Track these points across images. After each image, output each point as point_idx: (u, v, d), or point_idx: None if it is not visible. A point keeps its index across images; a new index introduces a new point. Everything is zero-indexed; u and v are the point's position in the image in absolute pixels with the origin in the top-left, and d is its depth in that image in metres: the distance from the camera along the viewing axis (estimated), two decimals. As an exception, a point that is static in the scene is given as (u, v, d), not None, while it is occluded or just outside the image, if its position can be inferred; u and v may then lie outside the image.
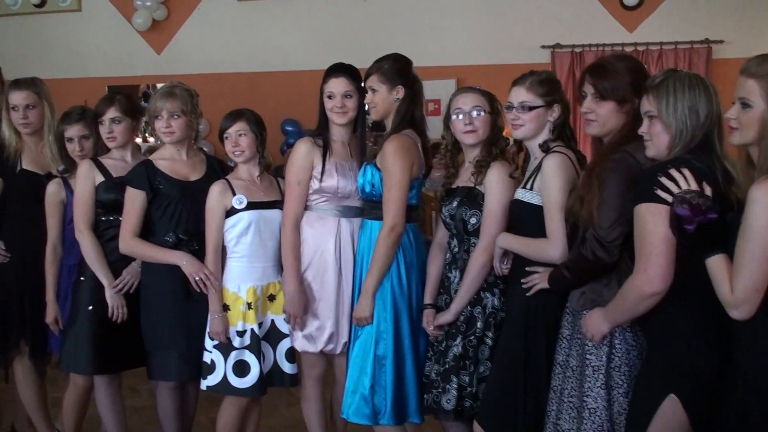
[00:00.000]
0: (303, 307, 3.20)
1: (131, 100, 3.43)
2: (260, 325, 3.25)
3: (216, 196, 3.19)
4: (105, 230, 3.32)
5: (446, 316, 2.97)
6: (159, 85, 7.94)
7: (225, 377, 3.19)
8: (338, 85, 3.20)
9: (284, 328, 3.29)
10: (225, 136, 3.25)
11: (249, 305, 3.20)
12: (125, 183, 3.24)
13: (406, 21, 7.64)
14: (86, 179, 3.29)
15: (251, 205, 3.19)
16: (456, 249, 3.02)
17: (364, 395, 3.07)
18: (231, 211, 3.19)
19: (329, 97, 3.22)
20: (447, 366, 2.94)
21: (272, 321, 3.29)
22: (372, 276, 3.06)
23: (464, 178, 3.02)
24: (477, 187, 2.95)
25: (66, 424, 3.51)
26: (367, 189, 3.13)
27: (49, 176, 3.47)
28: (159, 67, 8.27)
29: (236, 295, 3.21)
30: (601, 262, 2.42)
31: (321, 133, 3.27)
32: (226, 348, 3.19)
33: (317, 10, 7.87)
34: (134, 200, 3.21)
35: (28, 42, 8.49)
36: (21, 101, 3.43)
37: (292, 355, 3.31)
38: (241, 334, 3.19)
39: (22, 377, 3.54)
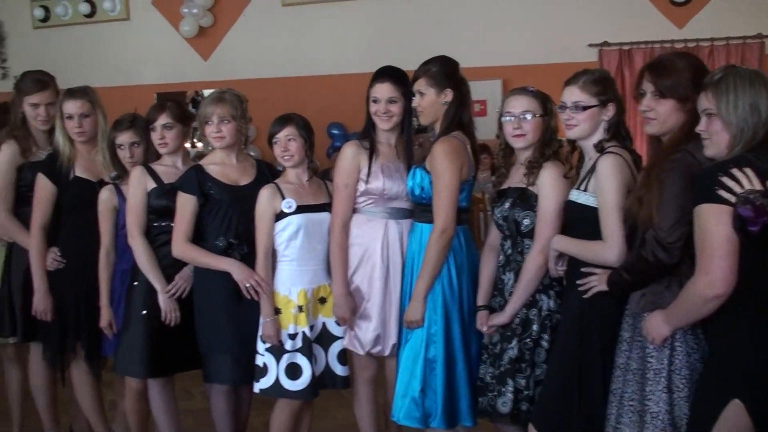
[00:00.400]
0: (350, 310, 3.22)
1: (182, 106, 3.48)
2: (312, 327, 3.26)
3: (265, 200, 3.21)
4: (157, 236, 3.35)
5: (501, 318, 2.94)
6: (206, 92, 8.19)
7: (277, 380, 3.20)
8: (383, 91, 3.21)
9: (335, 330, 3.30)
10: (274, 140, 3.26)
11: (300, 308, 3.21)
12: (177, 188, 3.28)
13: (450, 22, 7.60)
14: (138, 186, 3.34)
15: (300, 209, 3.20)
16: (509, 251, 2.99)
17: (415, 398, 3.05)
18: (280, 215, 3.20)
19: (374, 101, 3.24)
20: (502, 369, 2.92)
21: (323, 324, 3.30)
22: (423, 279, 3.04)
23: (516, 179, 2.99)
24: (529, 188, 2.92)
25: (130, 425, 3.55)
26: (417, 192, 3.12)
27: (102, 183, 3.52)
28: (206, 73, 8.37)
29: (287, 299, 3.22)
30: (661, 263, 2.37)
31: (367, 135, 3.28)
32: (278, 351, 3.20)
33: (361, 14, 7.88)
34: (186, 205, 3.25)
35: (79, 51, 8.67)
36: (75, 110, 3.48)
37: (343, 357, 3.31)
38: (292, 337, 3.20)
39: (79, 380, 3.60)
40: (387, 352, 3.27)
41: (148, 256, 3.30)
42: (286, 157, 3.25)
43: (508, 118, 2.96)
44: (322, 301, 3.29)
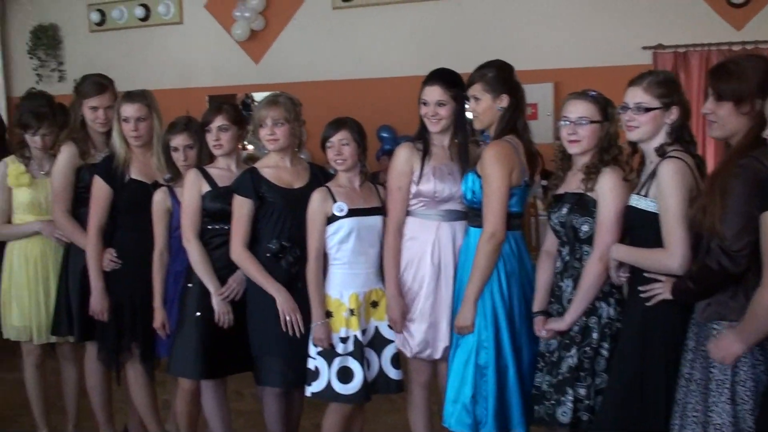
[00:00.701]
0: (401, 312, 3.22)
1: (237, 109, 3.51)
2: (364, 331, 3.25)
3: (317, 203, 3.22)
4: (211, 238, 3.38)
5: (560, 324, 2.90)
6: (256, 95, 8.25)
7: (329, 384, 3.20)
8: (431, 94, 3.21)
9: (388, 334, 3.29)
10: (328, 144, 3.26)
11: (351, 311, 3.21)
12: (232, 191, 3.30)
13: (501, 24, 7.55)
14: (193, 188, 3.36)
15: (352, 212, 3.20)
16: (567, 257, 2.95)
17: (465, 405, 3.03)
18: (332, 219, 3.21)
19: (423, 104, 3.24)
20: (561, 377, 2.87)
21: (376, 327, 3.29)
22: (472, 284, 3.02)
23: (573, 184, 2.95)
24: (588, 193, 2.87)
25: (180, 426, 3.59)
26: (469, 196, 3.11)
27: (156, 185, 3.55)
28: (257, 76, 8.44)
29: (339, 302, 3.22)
30: (726, 272, 2.32)
31: (421, 137, 3.28)
32: (329, 354, 3.20)
33: (412, 16, 7.86)
34: (241, 208, 3.27)
35: (133, 54, 8.82)
36: (132, 113, 3.52)
37: (397, 360, 3.30)
38: (344, 340, 3.20)
39: (134, 380, 3.64)
40: (438, 356, 3.26)
41: (202, 258, 3.33)
42: (338, 161, 3.25)
43: (564, 122, 2.92)
44: (374, 305, 3.28)
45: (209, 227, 3.38)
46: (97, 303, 3.53)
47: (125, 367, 3.64)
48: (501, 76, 3.09)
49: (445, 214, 3.25)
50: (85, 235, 3.57)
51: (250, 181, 3.28)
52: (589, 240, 2.87)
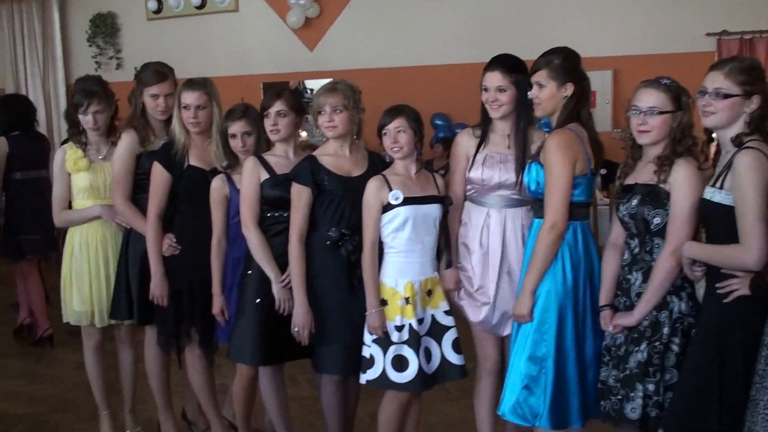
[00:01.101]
0: (454, 284, 3.33)
1: (297, 95, 3.49)
2: (421, 321, 3.23)
3: (373, 191, 3.20)
4: (270, 225, 3.37)
5: (629, 319, 2.83)
6: (308, 82, 8.27)
7: (384, 372, 3.18)
8: (492, 79, 3.19)
9: (445, 320, 3.27)
10: (384, 132, 3.23)
11: (407, 300, 3.18)
12: (290, 179, 3.30)
13: (559, 11, 7.43)
14: (251, 176, 3.36)
15: (407, 201, 3.17)
16: (636, 249, 2.87)
17: (522, 395, 2.98)
18: (388, 207, 3.18)
19: (484, 89, 3.22)
20: (629, 372, 2.80)
21: (432, 316, 3.27)
22: (531, 274, 2.98)
23: (644, 175, 2.86)
24: (660, 185, 2.79)
25: (236, 411, 3.61)
26: (532, 187, 3.04)
27: (214, 172, 3.56)
28: (311, 63, 8.47)
29: (394, 290, 3.20)
30: None
31: (482, 123, 3.28)
32: (384, 342, 3.19)
33: (468, 3, 7.78)
34: (300, 196, 3.26)
35: (189, 42, 8.91)
36: (193, 101, 3.53)
37: (458, 345, 3.27)
38: (399, 328, 3.18)
39: (192, 364, 3.66)
40: (501, 333, 3.28)
41: (262, 246, 3.33)
42: (395, 149, 3.21)
43: (634, 112, 2.84)
44: (429, 293, 3.26)
45: (268, 215, 3.38)
46: (157, 288, 3.56)
47: (184, 351, 3.67)
48: (567, 64, 3.02)
49: (496, 201, 3.24)
50: (145, 221, 3.59)
51: (309, 170, 3.26)
52: (660, 232, 2.78)
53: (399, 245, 3.20)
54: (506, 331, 3.26)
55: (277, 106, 3.37)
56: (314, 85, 7.67)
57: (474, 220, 3.30)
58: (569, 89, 3.00)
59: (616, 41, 7.25)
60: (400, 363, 3.17)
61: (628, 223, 2.88)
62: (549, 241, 2.93)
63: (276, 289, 3.31)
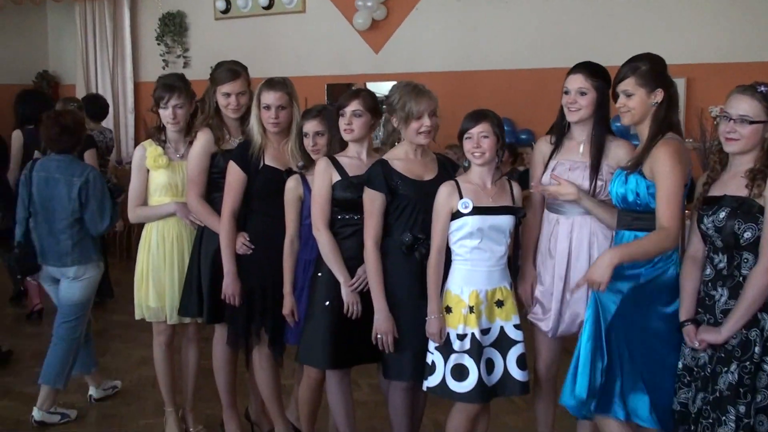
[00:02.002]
0: (526, 289, 3.39)
1: (374, 97, 3.45)
2: (487, 331, 3.17)
3: (443, 197, 3.15)
4: (341, 228, 3.36)
5: (715, 336, 2.73)
6: (369, 84, 8.26)
7: (444, 380, 3.13)
8: (573, 81, 3.20)
9: (514, 334, 3.19)
10: (467, 136, 3.15)
11: (471, 309, 3.12)
12: (363, 184, 3.27)
13: (629, 16, 7.25)
14: (323, 177, 3.34)
15: (476, 210, 3.11)
16: (721, 264, 2.78)
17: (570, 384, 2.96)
18: (456, 214, 3.13)
19: (565, 92, 3.22)
20: (719, 395, 2.70)
21: (501, 327, 3.20)
22: (623, 251, 2.89)
23: (733, 187, 2.77)
24: (754, 198, 2.69)
25: (301, 414, 3.61)
26: (631, 198, 2.96)
27: (289, 172, 3.56)
28: (375, 66, 8.45)
29: (459, 298, 3.15)
30: None
31: (557, 129, 3.31)
32: (446, 350, 3.13)
33: (536, 8, 7.66)
34: (374, 202, 3.23)
35: (256, 42, 8.99)
36: (274, 101, 3.53)
37: (523, 361, 3.20)
38: (461, 337, 3.12)
39: (260, 365, 3.67)
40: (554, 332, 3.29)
41: (332, 248, 3.31)
42: (476, 154, 3.13)
43: (724, 117, 2.75)
44: (499, 304, 3.19)
45: (339, 217, 3.36)
46: (230, 287, 3.56)
47: (252, 351, 3.67)
48: (655, 70, 2.96)
49: (565, 208, 3.23)
50: (219, 219, 3.60)
51: (382, 174, 3.23)
52: (751, 247, 2.69)
53: (466, 253, 3.15)
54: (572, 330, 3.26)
55: (353, 105, 3.35)
56: (378, 87, 7.66)
57: (544, 227, 3.32)
58: (659, 95, 2.93)
59: (689, 48, 7.05)
60: (460, 372, 3.12)
61: (712, 237, 2.79)
62: (663, 246, 2.86)
63: (345, 292, 3.29)
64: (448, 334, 3.14)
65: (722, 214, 2.74)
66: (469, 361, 3.11)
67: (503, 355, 3.19)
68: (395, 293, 3.23)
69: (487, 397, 3.19)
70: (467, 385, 3.11)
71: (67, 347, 4.20)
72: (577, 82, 3.15)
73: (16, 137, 5.94)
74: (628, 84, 2.95)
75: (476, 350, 3.12)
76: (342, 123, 3.37)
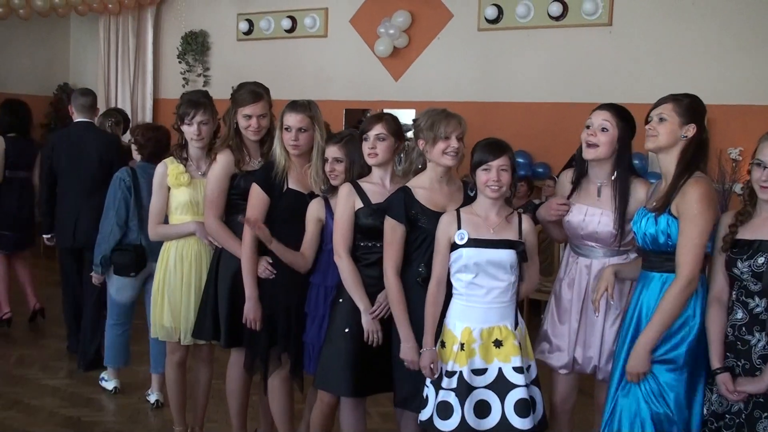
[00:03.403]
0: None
1: (397, 121, 3.44)
2: (482, 372, 3.02)
3: (443, 226, 3.10)
4: (364, 254, 3.33)
5: (758, 385, 2.69)
6: (390, 111, 8.26)
7: (432, 415, 3.05)
8: (597, 116, 3.18)
9: (514, 378, 3.00)
10: (484, 167, 3.05)
11: (462, 346, 3.02)
12: (384, 211, 3.24)
13: (651, 55, 7.26)
14: (346, 204, 3.32)
15: (473, 243, 3.03)
16: (759, 309, 2.74)
17: None
18: (454, 245, 3.06)
19: (587, 127, 3.20)
20: None
21: (499, 369, 3.02)
22: (654, 330, 2.86)
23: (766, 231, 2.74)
24: None
25: None
26: (661, 239, 2.90)
27: (312, 195, 3.55)
28: (395, 93, 8.49)
29: (452, 333, 3.07)
30: None
31: (575, 168, 3.32)
32: (437, 385, 3.06)
33: (558, 42, 7.69)
34: (394, 232, 3.19)
35: (276, 64, 9.05)
36: (295, 123, 3.53)
37: (524, 408, 2.98)
38: (450, 374, 3.02)
39: (278, 389, 3.63)
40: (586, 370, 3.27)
41: (353, 275, 3.28)
42: (494, 188, 3.04)
43: (758, 164, 2.73)
44: (498, 344, 3.05)
45: (362, 243, 3.34)
46: (251, 311, 3.53)
47: (270, 376, 3.62)
48: (695, 107, 2.95)
49: (583, 249, 3.27)
50: (237, 242, 3.58)
51: (402, 204, 3.18)
52: None
53: (461, 287, 3.07)
54: (599, 375, 3.23)
55: (377, 129, 3.33)
56: (396, 114, 7.68)
57: (563, 265, 3.35)
58: (691, 130, 2.91)
59: (710, 89, 6.98)
60: (444, 410, 3.00)
61: (746, 281, 2.76)
62: (684, 298, 2.83)
63: (366, 320, 3.26)
64: (441, 368, 3.07)
65: (761, 259, 2.71)
66: (454, 400, 2.99)
67: (501, 399, 3.00)
68: (413, 323, 3.17)
69: None
70: (450, 424, 2.99)
71: None
72: (600, 117, 3.13)
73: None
74: (665, 109, 2.94)
75: (463, 390, 2.99)
76: (366, 147, 3.35)
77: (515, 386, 3.01)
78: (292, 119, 3.54)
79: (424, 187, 3.24)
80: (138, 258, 4.51)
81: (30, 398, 4.83)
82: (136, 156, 4.77)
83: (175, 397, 4.00)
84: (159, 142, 4.60)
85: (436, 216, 3.17)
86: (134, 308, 4.84)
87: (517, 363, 3.02)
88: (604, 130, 3.12)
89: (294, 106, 3.58)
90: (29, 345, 5.92)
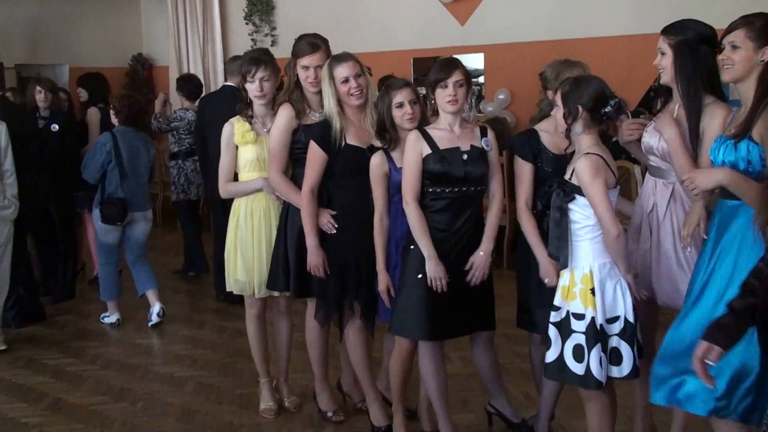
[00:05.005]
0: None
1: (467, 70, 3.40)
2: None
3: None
4: (432, 201, 3.32)
5: None
6: (458, 57, 8.15)
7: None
8: (658, 43, 3.11)
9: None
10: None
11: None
12: (510, 152, 3.45)
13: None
14: (413, 151, 3.30)
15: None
16: None
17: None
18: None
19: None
20: None
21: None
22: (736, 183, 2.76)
23: None
24: None
25: (392, 385, 3.61)
26: (742, 166, 2.75)
27: (371, 149, 3.52)
28: (461, 38, 8.32)
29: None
30: None
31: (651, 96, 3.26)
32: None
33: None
34: (522, 169, 3.37)
35: (341, 17, 8.99)
36: (351, 72, 3.50)
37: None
38: (612, 320, 2.97)
39: (354, 338, 3.68)
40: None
41: (420, 222, 3.28)
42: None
43: None
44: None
45: (429, 190, 3.33)
46: (313, 258, 3.58)
47: (346, 324, 3.68)
48: None
49: (651, 168, 3.25)
50: (300, 194, 3.62)
51: (528, 145, 3.35)
52: None
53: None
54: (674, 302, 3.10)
55: (456, 75, 3.29)
56: (464, 60, 7.55)
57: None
58: (767, 53, 2.77)
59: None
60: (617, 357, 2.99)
61: None
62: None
63: (430, 266, 3.26)
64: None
65: None
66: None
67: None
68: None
69: None
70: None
71: None
72: (658, 43, 3.08)
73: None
74: (737, 35, 2.80)
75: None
76: (444, 95, 3.29)
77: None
78: (345, 69, 3.52)
79: (549, 131, 3.35)
80: (122, 209, 5.44)
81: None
82: (115, 120, 5.57)
83: (257, 350, 4.09)
84: (131, 107, 5.53)
85: (554, 158, 3.33)
86: (119, 249, 5.71)
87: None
88: (662, 54, 3.08)
89: (338, 57, 3.57)
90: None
